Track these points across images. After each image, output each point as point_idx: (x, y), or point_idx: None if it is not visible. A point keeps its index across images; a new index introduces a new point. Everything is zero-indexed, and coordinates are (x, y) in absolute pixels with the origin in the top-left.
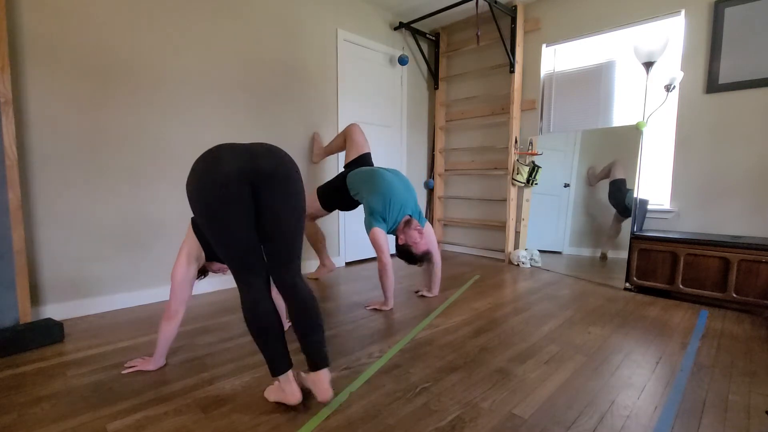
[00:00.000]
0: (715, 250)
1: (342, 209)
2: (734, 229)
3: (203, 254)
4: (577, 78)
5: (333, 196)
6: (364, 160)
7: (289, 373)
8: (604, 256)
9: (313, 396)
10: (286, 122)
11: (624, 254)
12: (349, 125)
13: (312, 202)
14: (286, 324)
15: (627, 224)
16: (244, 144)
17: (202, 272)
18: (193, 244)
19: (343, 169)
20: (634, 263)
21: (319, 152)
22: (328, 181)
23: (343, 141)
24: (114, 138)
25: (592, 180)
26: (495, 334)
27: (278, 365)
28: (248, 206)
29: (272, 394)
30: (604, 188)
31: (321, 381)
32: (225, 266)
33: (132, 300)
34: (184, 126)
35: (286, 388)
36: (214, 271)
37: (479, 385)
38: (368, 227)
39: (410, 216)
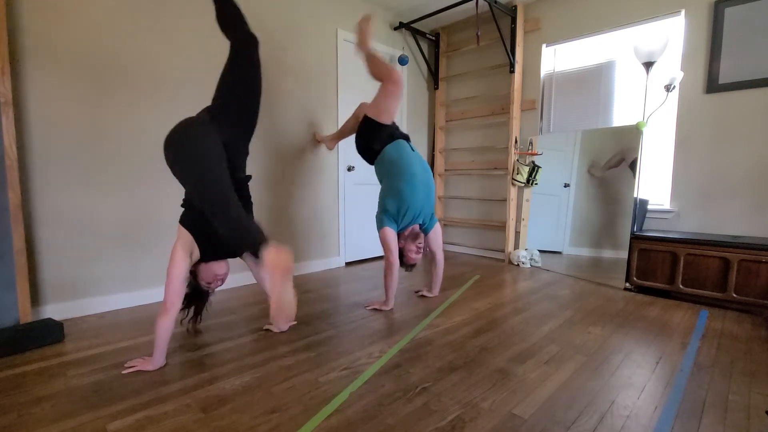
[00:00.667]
0: (715, 250)
1: (360, 152)
2: (734, 229)
3: (196, 250)
4: (577, 78)
5: (365, 143)
6: (394, 131)
7: (271, 243)
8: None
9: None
10: (286, 122)
11: (624, 254)
12: (359, 106)
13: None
14: (286, 325)
15: (626, 218)
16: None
17: (193, 278)
18: (185, 240)
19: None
20: (634, 263)
21: (332, 138)
22: (376, 129)
23: (355, 122)
24: (114, 138)
25: (597, 171)
26: (495, 334)
27: (259, 241)
28: (220, 147)
29: (273, 305)
30: (607, 187)
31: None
32: (218, 275)
33: (132, 300)
34: None
35: (273, 257)
36: (207, 282)
37: (479, 385)
38: (379, 225)
39: (420, 229)
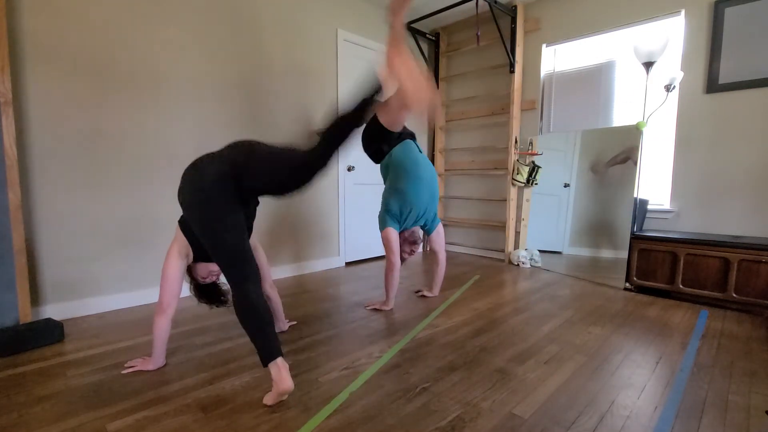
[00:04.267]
0: (715, 250)
1: (364, 148)
2: (734, 229)
3: (191, 252)
4: (577, 78)
5: (371, 143)
6: (402, 131)
7: (280, 359)
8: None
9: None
10: (285, 122)
11: (624, 254)
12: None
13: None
14: (286, 325)
15: (626, 218)
16: (221, 150)
17: (190, 275)
18: (181, 242)
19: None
20: (634, 263)
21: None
22: (383, 133)
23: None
24: (114, 138)
25: (600, 167)
26: (495, 334)
27: (271, 350)
28: (236, 206)
29: (270, 397)
30: (607, 187)
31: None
32: (213, 271)
33: (132, 300)
34: (184, 126)
35: (278, 378)
36: (203, 278)
37: (479, 385)
38: (382, 226)
39: (422, 229)
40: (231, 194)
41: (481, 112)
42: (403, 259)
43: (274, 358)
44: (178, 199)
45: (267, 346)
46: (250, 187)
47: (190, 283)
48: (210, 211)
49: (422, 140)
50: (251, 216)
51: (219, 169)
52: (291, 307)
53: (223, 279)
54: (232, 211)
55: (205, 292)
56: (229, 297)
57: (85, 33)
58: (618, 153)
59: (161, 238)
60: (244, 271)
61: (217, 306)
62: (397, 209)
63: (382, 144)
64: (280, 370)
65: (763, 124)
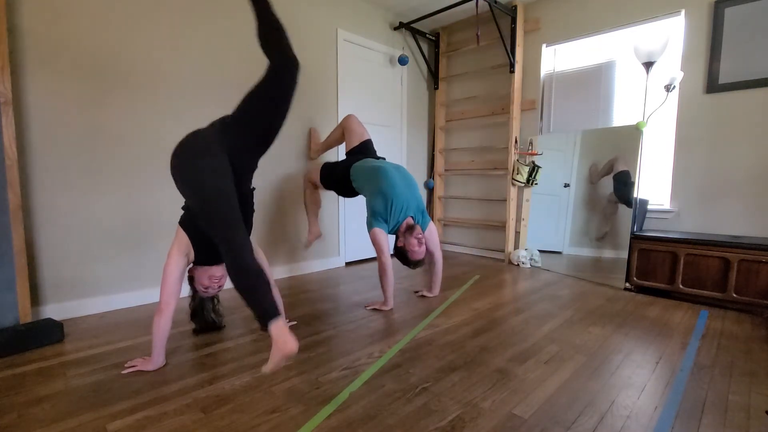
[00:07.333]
0: (715, 250)
1: (340, 194)
2: (734, 229)
3: (192, 252)
4: (577, 78)
5: (333, 182)
6: (366, 147)
7: (282, 319)
8: (604, 235)
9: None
10: (286, 122)
11: (624, 254)
12: (345, 117)
13: (314, 173)
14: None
15: (626, 218)
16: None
17: (192, 287)
18: (182, 242)
19: (344, 157)
20: (634, 263)
21: (316, 148)
22: (333, 164)
23: (341, 134)
24: (114, 138)
25: (594, 177)
26: (495, 334)
27: (270, 310)
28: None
29: (272, 362)
30: (606, 186)
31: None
32: (215, 277)
33: (132, 300)
34: (183, 126)
35: (281, 337)
36: (204, 288)
37: (479, 385)
38: (369, 227)
39: (413, 220)
40: (218, 151)
41: (481, 112)
42: (418, 258)
43: (273, 316)
44: (172, 172)
45: (265, 306)
46: (240, 147)
47: (190, 303)
48: (200, 164)
49: (422, 140)
50: (249, 213)
51: (207, 130)
52: (291, 307)
53: (222, 293)
54: (221, 164)
55: (201, 314)
56: (223, 321)
57: (84, 33)
58: (604, 164)
59: (161, 238)
60: (238, 235)
61: (211, 330)
62: (380, 207)
63: (336, 171)
64: (282, 329)
65: (763, 124)
